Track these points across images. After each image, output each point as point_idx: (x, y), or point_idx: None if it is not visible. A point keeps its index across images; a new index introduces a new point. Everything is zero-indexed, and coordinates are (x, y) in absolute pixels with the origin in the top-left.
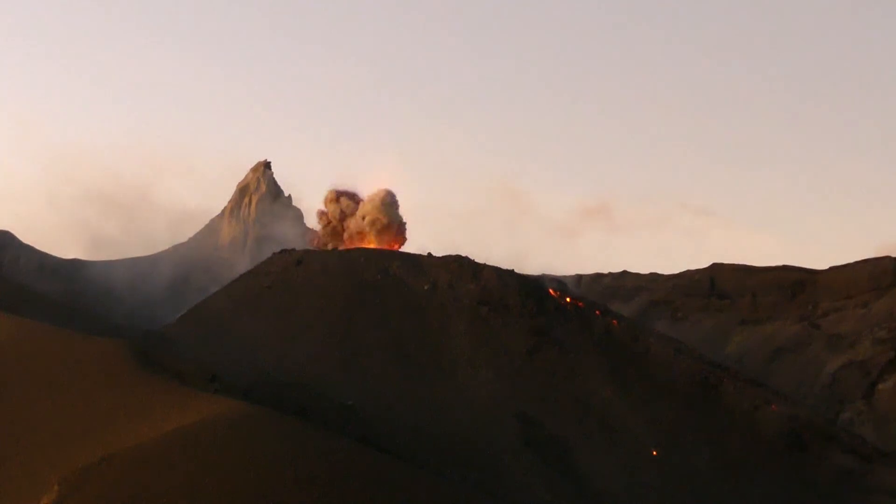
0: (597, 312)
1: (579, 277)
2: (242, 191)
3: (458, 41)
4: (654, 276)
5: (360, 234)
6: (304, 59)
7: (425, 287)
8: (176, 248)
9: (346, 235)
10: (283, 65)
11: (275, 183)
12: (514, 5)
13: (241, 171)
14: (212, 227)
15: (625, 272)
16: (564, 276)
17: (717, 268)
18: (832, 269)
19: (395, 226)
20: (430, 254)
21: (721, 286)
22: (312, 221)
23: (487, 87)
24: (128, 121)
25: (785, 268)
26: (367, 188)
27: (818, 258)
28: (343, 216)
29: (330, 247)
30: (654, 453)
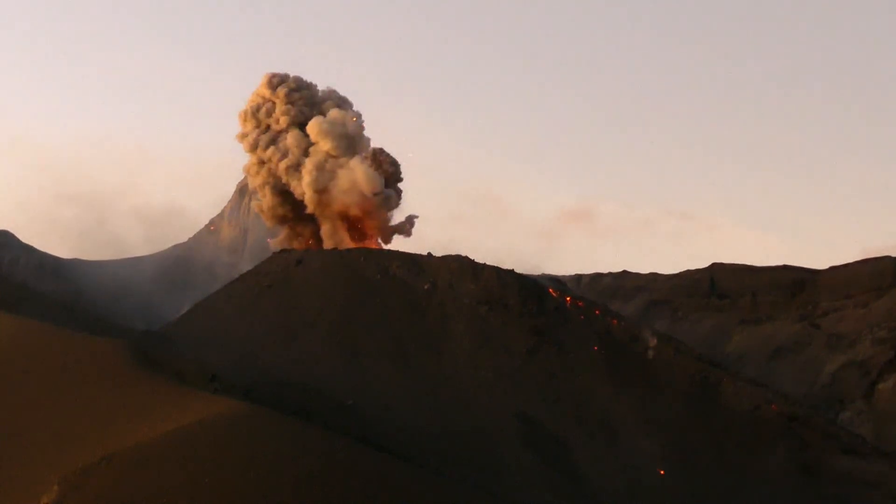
0: (596, 312)
1: (579, 277)
2: (242, 191)
3: (442, 43)
4: (653, 276)
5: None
6: (293, 62)
7: (425, 287)
8: (176, 247)
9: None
10: (274, 67)
11: None
12: (497, 9)
13: (228, 169)
14: (212, 227)
15: (625, 272)
16: (564, 276)
17: (717, 268)
18: (832, 269)
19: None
20: (430, 254)
21: (721, 286)
22: None
23: (467, 89)
24: (110, 120)
25: (785, 268)
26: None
27: (818, 258)
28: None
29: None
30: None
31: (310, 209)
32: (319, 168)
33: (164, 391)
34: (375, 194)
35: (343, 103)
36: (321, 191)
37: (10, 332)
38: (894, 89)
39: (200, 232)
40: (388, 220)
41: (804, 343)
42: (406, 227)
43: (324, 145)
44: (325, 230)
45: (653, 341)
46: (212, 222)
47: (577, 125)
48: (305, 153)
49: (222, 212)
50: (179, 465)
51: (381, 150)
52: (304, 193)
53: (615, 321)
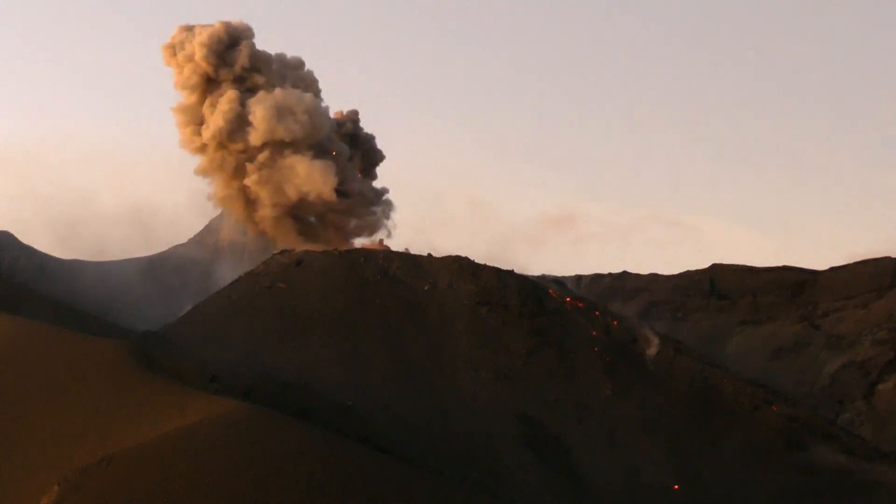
0: (596, 313)
1: (579, 278)
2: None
3: (424, 44)
4: (653, 277)
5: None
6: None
7: (425, 287)
8: (176, 248)
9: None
10: None
11: None
12: (484, 9)
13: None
14: (211, 228)
15: (625, 273)
16: (564, 277)
17: (717, 268)
18: (832, 269)
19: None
20: (429, 254)
21: (721, 286)
22: None
23: (452, 89)
24: (101, 119)
25: (785, 268)
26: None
27: (818, 258)
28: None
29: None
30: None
31: (263, 216)
32: (263, 167)
33: (164, 391)
34: (341, 193)
35: (302, 81)
36: (272, 191)
37: (10, 333)
38: (894, 89)
39: (200, 233)
40: (353, 219)
41: (804, 344)
42: (381, 221)
43: (265, 149)
44: (275, 228)
45: (654, 341)
46: (212, 223)
47: (569, 126)
48: (247, 147)
49: (222, 212)
50: (179, 466)
51: (353, 120)
52: (256, 193)
53: (615, 322)
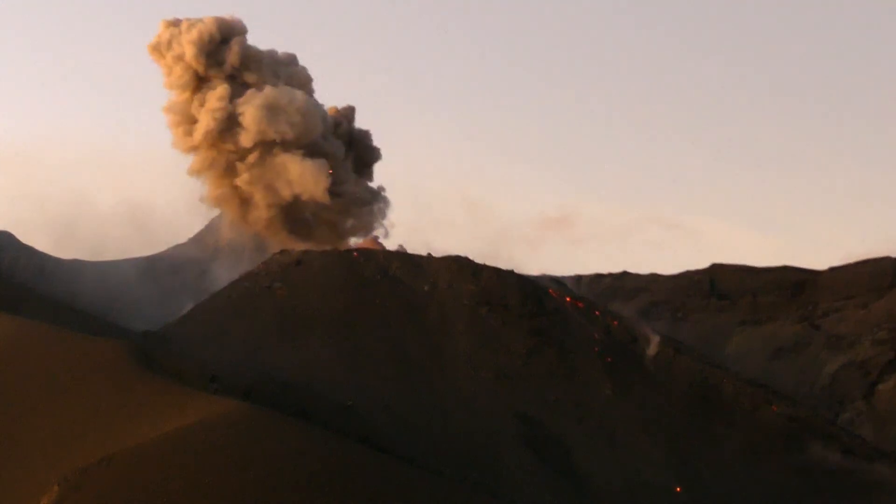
0: (596, 313)
1: (579, 278)
2: None
3: (418, 43)
4: (654, 277)
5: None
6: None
7: (425, 287)
8: (175, 247)
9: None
10: None
11: None
12: (482, 8)
13: None
14: (211, 227)
15: (625, 273)
16: (564, 277)
17: (717, 268)
18: (832, 269)
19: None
20: (429, 254)
21: (721, 286)
22: None
23: (446, 88)
24: (95, 118)
25: (785, 268)
26: None
27: (818, 258)
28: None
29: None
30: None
31: (258, 216)
32: (254, 167)
33: (164, 391)
34: (335, 193)
35: (295, 78)
36: (264, 191)
37: (10, 333)
38: (895, 89)
39: (200, 232)
40: (349, 219)
41: (804, 344)
42: (377, 221)
43: (255, 149)
44: (269, 227)
45: (654, 341)
46: (212, 222)
47: (568, 126)
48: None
49: (222, 212)
50: (179, 466)
51: (348, 118)
52: (249, 192)
53: (615, 322)
